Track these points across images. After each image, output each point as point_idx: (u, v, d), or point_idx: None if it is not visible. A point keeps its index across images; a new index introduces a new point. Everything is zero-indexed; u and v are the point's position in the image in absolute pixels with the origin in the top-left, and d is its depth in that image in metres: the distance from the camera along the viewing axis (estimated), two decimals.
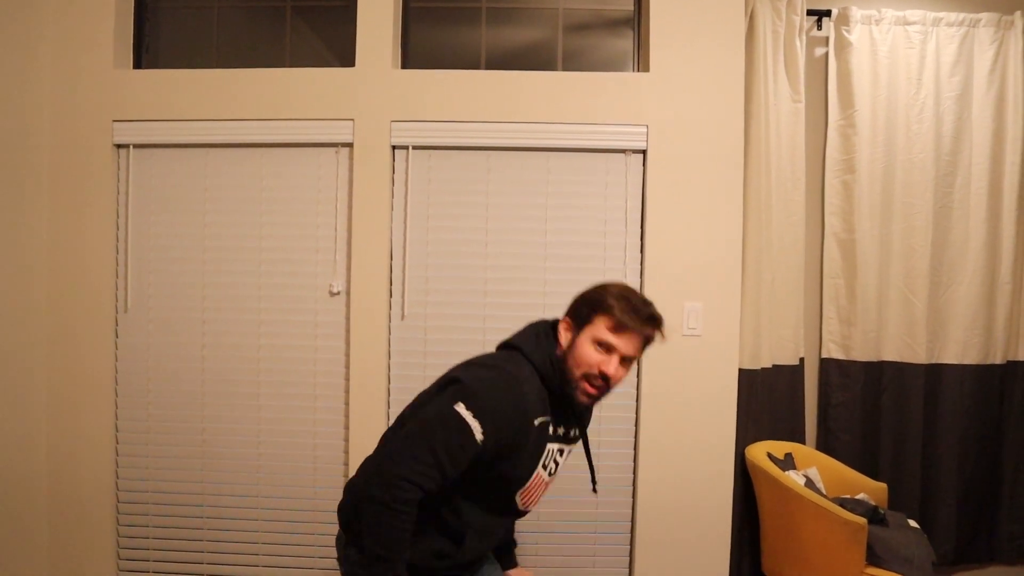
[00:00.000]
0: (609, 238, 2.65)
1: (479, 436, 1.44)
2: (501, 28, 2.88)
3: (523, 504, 1.62)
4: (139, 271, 2.72)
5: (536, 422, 1.51)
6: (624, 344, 1.51)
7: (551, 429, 1.58)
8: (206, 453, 2.71)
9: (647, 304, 1.54)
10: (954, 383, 3.05)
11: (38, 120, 2.66)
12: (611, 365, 1.51)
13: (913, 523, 2.68)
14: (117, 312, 2.73)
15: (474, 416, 1.43)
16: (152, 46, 2.88)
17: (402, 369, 2.66)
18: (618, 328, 1.50)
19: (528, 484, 1.58)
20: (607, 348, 1.51)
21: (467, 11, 2.88)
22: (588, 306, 1.55)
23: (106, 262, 2.71)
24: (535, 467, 1.57)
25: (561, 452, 1.64)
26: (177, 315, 2.72)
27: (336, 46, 2.84)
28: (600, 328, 1.51)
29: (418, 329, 2.66)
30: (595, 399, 1.56)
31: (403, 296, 2.66)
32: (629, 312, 1.50)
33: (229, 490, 2.71)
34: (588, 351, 1.52)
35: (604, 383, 1.52)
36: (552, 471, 1.63)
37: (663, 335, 1.57)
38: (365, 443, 2.65)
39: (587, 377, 1.52)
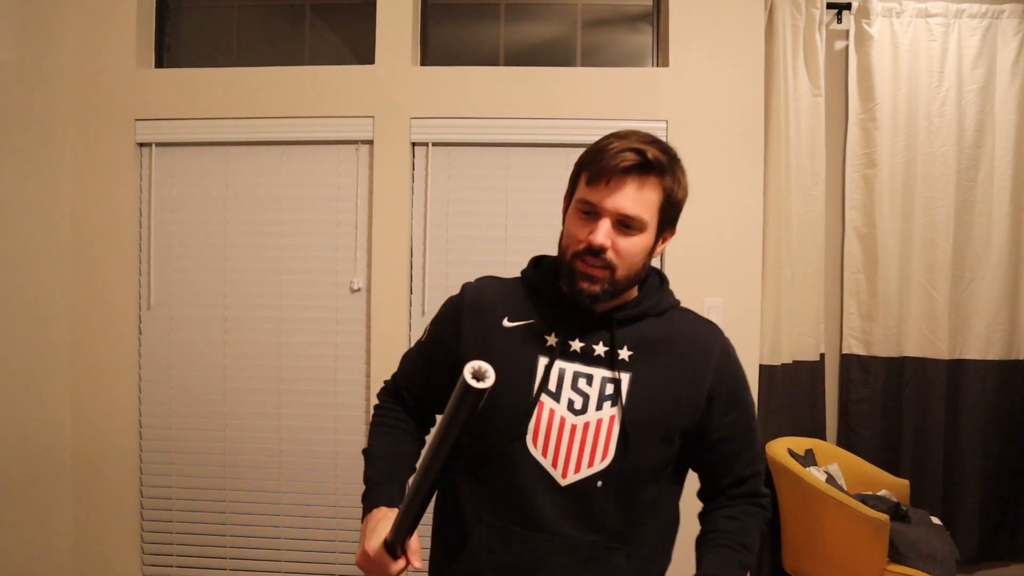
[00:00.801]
0: None
1: (424, 337, 1.29)
2: (519, 24, 2.88)
3: (543, 452, 1.12)
4: (161, 269, 2.75)
5: (506, 323, 1.17)
6: (610, 198, 1.08)
7: (555, 342, 1.14)
8: (228, 448, 2.74)
9: (635, 134, 1.12)
10: (976, 379, 3.02)
11: (61, 119, 2.68)
12: (599, 232, 1.08)
13: (936, 520, 2.67)
14: (140, 310, 2.75)
15: (429, 324, 1.30)
16: (173, 45, 2.91)
17: None
18: (595, 176, 1.10)
19: (532, 421, 1.12)
20: (592, 212, 1.10)
21: (486, 7, 2.89)
22: (575, 169, 1.17)
23: (129, 260, 2.73)
24: (529, 390, 1.12)
25: (590, 380, 1.13)
26: (199, 312, 2.74)
27: (355, 44, 2.85)
28: (581, 187, 1.13)
29: None
30: (600, 284, 1.10)
31: (423, 292, 2.66)
32: (605, 150, 1.10)
33: (251, 485, 2.74)
34: (573, 223, 1.13)
35: (599, 259, 1.09)
36: (579, 406, 1.12)
37: (679, 179, 1.14)
38: None
39: (578, 257, 1.11)
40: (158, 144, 2.73)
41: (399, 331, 2.65)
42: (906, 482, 2.82)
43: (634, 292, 1.18)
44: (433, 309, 2.74)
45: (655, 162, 1.08)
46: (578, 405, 1.12)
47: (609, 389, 1.12)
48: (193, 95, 2.70)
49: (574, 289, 1.11)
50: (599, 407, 1.11)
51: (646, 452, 1.12)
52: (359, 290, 2.68)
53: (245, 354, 2.72)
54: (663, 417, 1.13)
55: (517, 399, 1.12)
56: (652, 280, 1.22)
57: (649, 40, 2.85)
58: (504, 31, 2.88)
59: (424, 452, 1.00)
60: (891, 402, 3.04)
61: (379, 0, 2.68)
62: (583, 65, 2.85)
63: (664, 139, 2.82)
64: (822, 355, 3.05)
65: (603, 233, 1.08)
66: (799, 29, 2.93)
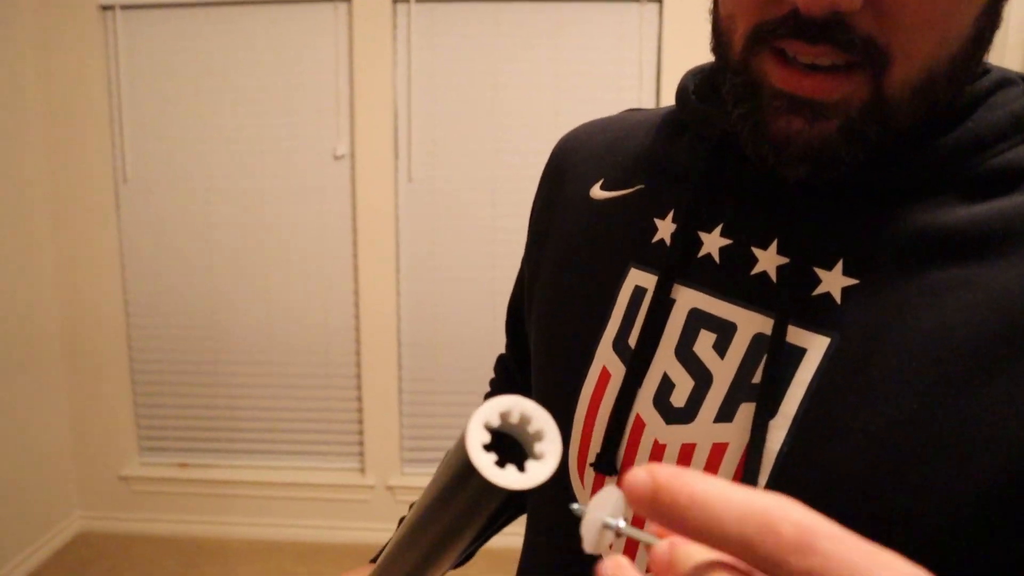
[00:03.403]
0: (623, 94, 2.52)
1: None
2: None
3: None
4: (137, 141, 2.63)
5: (595, 191, 0.61)
6: None
7: (668, 234, 0.54)
8: (217, 323, 2.69)
9: None
10: None
11: None
12: None
13: None
14: (116, 183, 2.65)
15: None
16: None
17: (411, 233, 2.59)
18: None
19: (579, 421, 0.56)
20: None
21: None
22: None
23: (101, 132, 2.61)
24: (588, 347, 0.56)
25: (726, 335, 0.49)
26: (179, 185, 2.64)
27: None
28: None
29: (426, 192, 2.58)
30: (841, 114, 0.42)
31: (409, 158, 2.56)
32: None
33: (241, 358, 2.71)
34: None
35: (834, 37, 0.40)
36: (683, 400, 0.50)
37: None
38: (375, 310, 2.62)
39: (766, 43, 0.43)
40: (123, 7, 2.56)
41: (385, 198, 2.56)
42: None
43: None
44: (421, 175, 2.68)
45: None
46: (681, 398, 0.50)
47: (758, 369, 0.47)
48: None
49: (762, 136, 0.45)
50: (727, 412, 0.48)
51: None
52: (342, 157, 2.58)
53: (228, 226, 2.64)
54: (903, 464, 0.42)
55: (566, 368, 0.58)
56: (985, 85, 0.48)
57: None
58: None
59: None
60: None
61: None
62: None
63: None
64: None
65: None
66: None
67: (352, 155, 2.57)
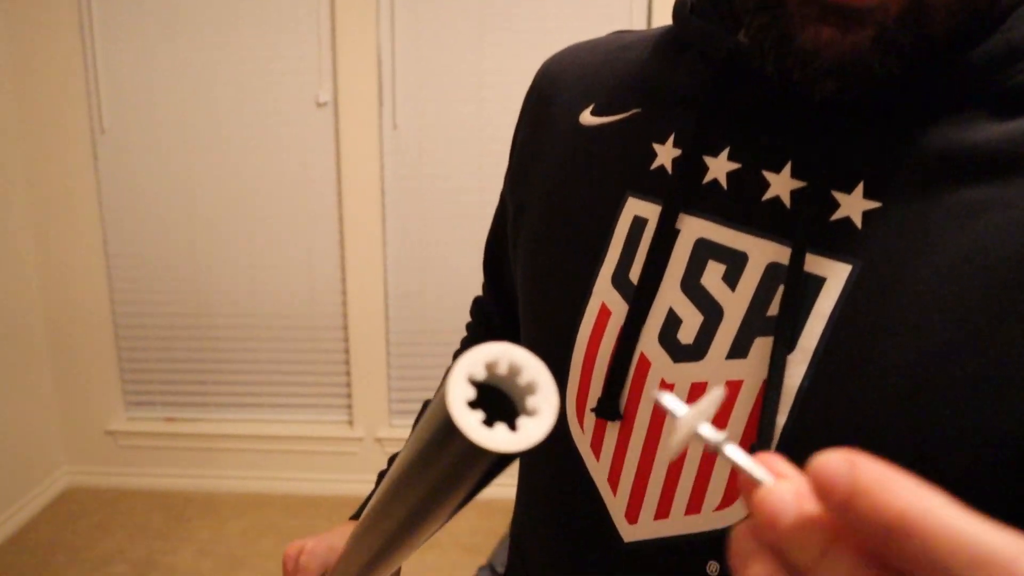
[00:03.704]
0: (614, 24, 2.45)
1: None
2: None
3: (595, 450, 0.51)
4: (112, 89, 2.55)
5: (586, 117, 0.55)
6: None
7: (669, 159, 0.49)
8: (200, 276, 2.65)
9: None
10: None
11: None
12: None
13: None
14: (93, 134, 2.58)
15: None
16: None
17: (396, 181, 2.54)
18: None
19: (577, 362, 0.51)
20: None
21: None
22: None
23: (75, 80, 2.53)
24: (585, 282, 0.52)
25: (737, 265, 0.46)
26: (159, 135, 2.57)
27: None
28: None
29: (412, 139, 2.52)
30: (876, 22, 0.37)
31: (394, 105, 2.50)
32: None
33: (227, 311, 2.67)
34: None
35: None
36: (691, 336, 0.47)
37: None
38: (361, 260, 2.58)
39: None
40: None
41: (370, 146, 2.50)
42: None
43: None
44: (406, 123, 2.61)
45: None
46: (690, 334, 0.47)
47: (776, 300, 0.44)
48: None
49: (786, 49, 0.40)
50: (740, 347, 0.45)
51: None
52: (325, 104, 2.51)
53: (210, 177, 2.58)
54: (936, 398, 0.40)
55: (560, 307, 0.53)
56: None
57: None
58: None
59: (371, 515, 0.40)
60: None
61: None
62: None
63: None
64: None
65: None
66: None
67: (335, 102, 2.50)
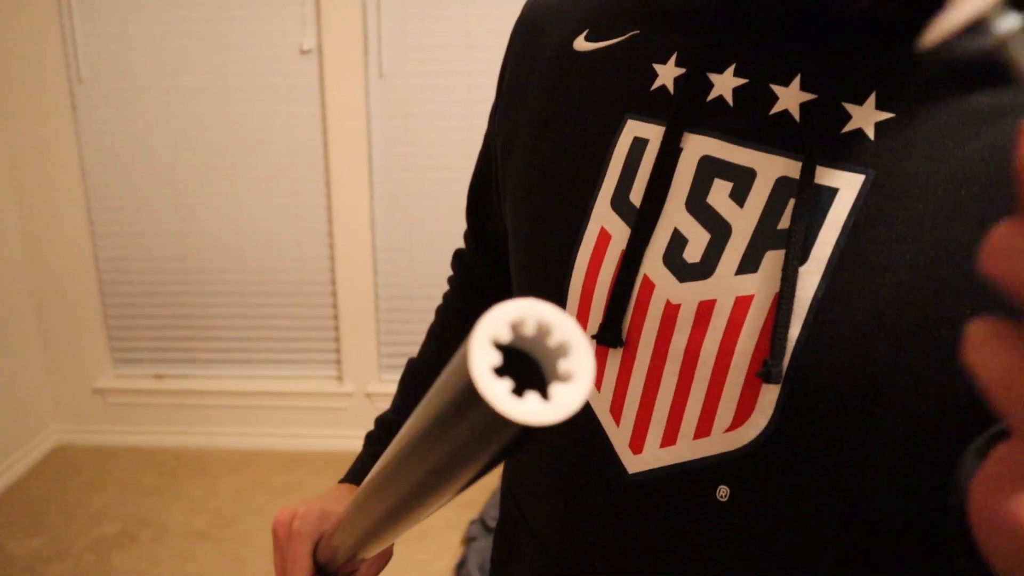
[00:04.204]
0: None
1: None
2: None
3: (598, 380, 0.49)
4: (90, 37, 2.47)
5: (580, 43, 0.53)
6: None
7: (671, 79, 0.47)
8: (185, 229, 2.60)
9: None
10: None
11: None
12: None
13: None
14: (71, 83, 2.50)
15: None
16: None
17: (383, 132, 2.48)
18: None
19: (576, 287, 0.49)
20: None
21: None
22: None
23: (51, 29, 2.45)
24: (581, 208, 0.49)
25: (745, 182, 0.43)
26: (139, 84, 2.49)
27: None
28: None
29: (399, 88, 2.45)
30: None
31: (379, 52, 2.42)
32: None
33: (214, 266, 2.63)
34: None
35: None
36: (698, 255, 0.44)
37: None
38: (348, 212, 2.53)
39: None
40: None
41: (356, 96, 2.43)
42: None
43: None
44: (392, 70, 2.54)
45: None
46: (696, 253, 0.45)
47: (787, 214, 0.42)
48: None
49: None
50: (750, 263, 0.43)
51: (885, 416, 0.40)
52: (309, 51, 2.43)
53: (192, 127, 2.51)
54: (956, 299, 0.38)
55: (556, 234, 0.51)
56: None
57: None
58: None
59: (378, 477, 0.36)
60: None
61: None
62: None
63: None
64: None
65: None
66: None
67: (319, 49, 2.43)
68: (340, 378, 2.68)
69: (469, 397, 0.21)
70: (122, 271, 2.65)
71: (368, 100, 2.45)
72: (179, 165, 2.54)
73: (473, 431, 0.23)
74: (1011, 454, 0.18)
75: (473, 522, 2.28)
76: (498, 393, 0.20)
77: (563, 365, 0.22)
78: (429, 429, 0.26)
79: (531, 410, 0.21)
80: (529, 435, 0.22)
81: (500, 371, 0.21)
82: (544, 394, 0.21)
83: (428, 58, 2.42)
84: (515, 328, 0.22)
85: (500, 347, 0.22)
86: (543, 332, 0.22)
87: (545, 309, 0.22)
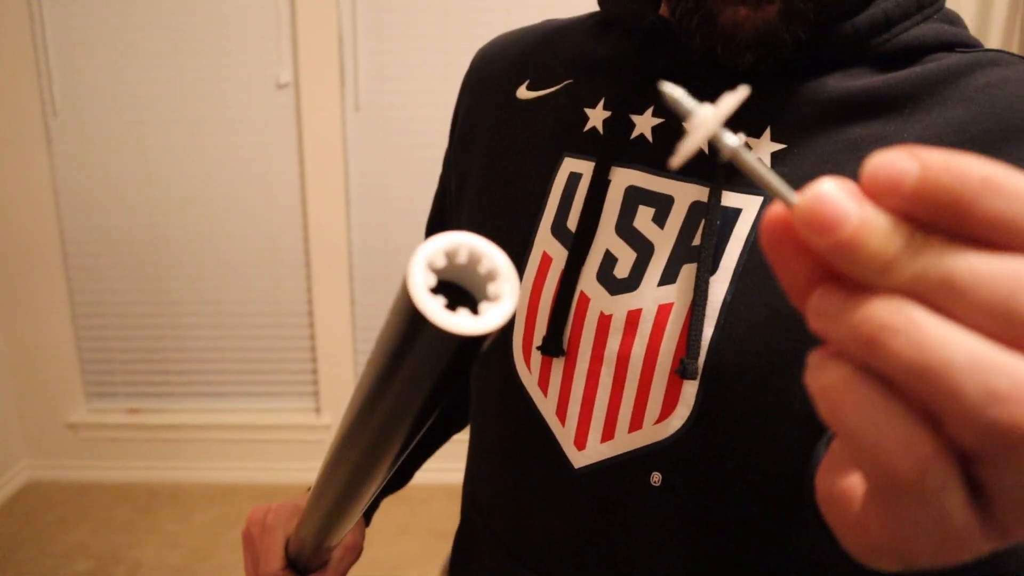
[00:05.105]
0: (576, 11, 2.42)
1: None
2: None
3: (543, 385, 0.55)
4: (64, 70, 2.46)
5: (522, 92, 0.61)
6: None
7: (600, 121, 0.55)
8: (161, 263, 2.58)
9: None
10: None
11: None
12: None
13: None
14: (46, 116, 2.50)
15: None
16: None
17: (361, 164, 2.49)
18: None
19: (523, 305, 0.56)
20: None
21: None
22: None
23: (25, 60, 2.44)
24: (527, 232, 0.56)
25: (663, 207, 0.51)
26: (114, 117, 2.49)
27: None
28: None
29: (375, 121, 2.47)
30: None
31: (356, 85, 2.44)
32: None
33: (189, 298, 2.61)
34: None
35: None
36: (626, 271, 0.51)
37: None
38: (325, 244, 2.53)
39: None
40: None
41: (332, 128, 2.45)
42: None
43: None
44: (369, 102, 2.55)
45: None
46: (625, 269, 0.51)
47: (700, 232, 0.49)
48: None
49: (711, 28, 0.47)
50: (670, 275, 0.49)
51: (785, 399, 0.46)
52: (286, 85, 2.45)
53: (168, 160, 2.51)
54: None
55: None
56: None
57: None
58: None
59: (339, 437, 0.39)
60: None
61: None
62: None
63: None
64: None
65: None
66: None
67: (296, 83, 2.44)
68: (318, 410, 2.67)
69: (409, 315, 0.24)
70: (97, 304, 2.62)
71: (345, 133, 2.46)
72: (155, 198, 2.53)
73: (415, 349, 0.25)
74: (839, 449, 0.23)
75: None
76: (433, 308, 0.23)
77: (492, 288, 0.25)
78: (378, 360, 0.28)
79: (463, 323, 0.23)
80: (465, 353, 0.25)
81: (436, 292, 0.24)
82: (475, 311, 0.24)
83: (404, 91, 2.45)
84: (449, 256, 0.25)
85: (438, 279, 0.25)
86: (474, 260, 0.25)
87: (476, 240, 0.25)
